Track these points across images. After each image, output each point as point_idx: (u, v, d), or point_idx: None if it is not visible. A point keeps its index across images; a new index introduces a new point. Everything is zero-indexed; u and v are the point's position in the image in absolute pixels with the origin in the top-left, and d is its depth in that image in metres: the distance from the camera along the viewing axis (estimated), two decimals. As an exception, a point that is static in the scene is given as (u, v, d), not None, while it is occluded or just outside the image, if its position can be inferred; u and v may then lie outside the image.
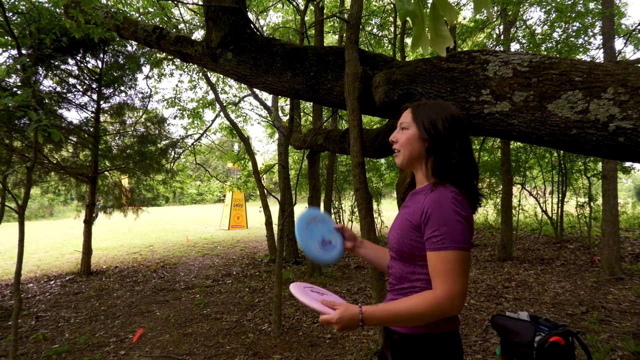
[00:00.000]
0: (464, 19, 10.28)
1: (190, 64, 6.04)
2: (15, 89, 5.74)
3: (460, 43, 8.64)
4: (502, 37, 8.13)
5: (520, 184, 10.31)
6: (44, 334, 4.46)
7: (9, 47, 5.34)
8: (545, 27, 8.25)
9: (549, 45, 7.49)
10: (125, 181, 9.48)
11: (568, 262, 7.09)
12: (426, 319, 1.14)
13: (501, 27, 8.43)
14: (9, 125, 5.83)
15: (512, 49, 8.36)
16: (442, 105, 1.31)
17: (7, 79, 5.98)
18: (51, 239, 12.68)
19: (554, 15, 7.51)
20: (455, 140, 1.24)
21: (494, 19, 8.31)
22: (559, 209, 9.26)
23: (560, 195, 9.34)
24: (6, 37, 4.99)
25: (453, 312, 1.13)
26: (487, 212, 12.31)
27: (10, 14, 4.46)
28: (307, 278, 6.54)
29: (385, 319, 1.17)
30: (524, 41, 8.24)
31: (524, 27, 8.55)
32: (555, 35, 7.78)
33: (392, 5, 7.80)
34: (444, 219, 1.12)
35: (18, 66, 4.50)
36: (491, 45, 8.67)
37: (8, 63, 5.95)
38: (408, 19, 1.19)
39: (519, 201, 10.52)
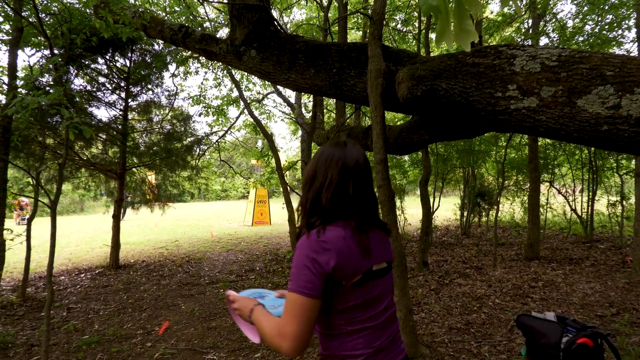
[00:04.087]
0: (491, 13, 10.07)
1: (215, 61, 6.12)
2: (48, 88, 5.93)
3: (487, 38, 8.47)
4: (530, 31, 7.92)
5: (548, 182, 10.05)
6: (74, 325, 4.61)
7: (42, 47, 5.53)
8: (577, 20, 8.00)
9: (579, 39, 7.26)
10: (152, 177, 9.68)
11: (598, 262, 6.88)
12: (270, 344, 1.19)
13: (530, 21, 8.22)
14: (42, 123, 6.04)
15: (542, 44, 8.14)
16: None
17: (41, 79, 6.19)
18: (82, 233, 13.08)
19: (585, 8, 7.28)
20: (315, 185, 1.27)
21: (523, 13, 8.11)
22: (589, 208, 8.98)
23: (590, 194, 9.06)
24: (39, 38, 5.18)
25: (282, 350, 1.14)
26: (513, 210, 12.05)
27: (43, 15, 4.61)
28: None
29: (258, 326, 1.24)
30: (553, 35, 8.01)
31: (553, 20, 8.31)
32: (587, 28, 7.54)
33: (416, 0, 7.70)
34: (295, 262, 1.17)
35: (50, 66, 4.66)
36: (519, 40, 8.45)
37: (41, 63, 6.16)
38: (432, 14, 1.18)
39: (547, 199, 10.26)
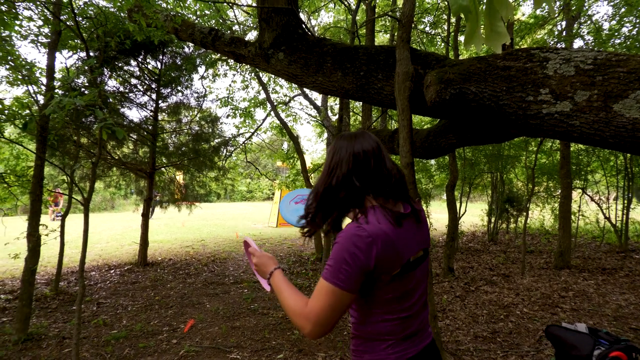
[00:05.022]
0: (523, 15, 9.86)
1: (243, 64, 6.21)
2: (83, 89, 6.14)
3: (518, 40, 8.29)
4: (564, 34, 7.71)
5: (580, 189, 9.73)
6: (104, 319, 4.74)
7: (79, 50, 5.73)
8: (613, 22, 7.74)
9: (616, 41, 7.03)
10: (180, 177, 9.88)
11: (633, 272, 6.62)
12: (289, 316, 1.22)
13: (563, 23, 8.00)
14: (78, 122, 6.24)
15: (575, 46, 7.91)
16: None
17: (77, 80, 6.41)
18: (112, 230, 13.44)
19: (623, 10, 7.04)
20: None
21: (556, 15, 7.91)
22: (624, 216, 8.65)
23: (625, 202, 8.73)
24: (76, 41, 5.37)
25: (303, 331, 1.17)
26: (543, 217, 11.73)
27: (80, 18, 4.78)
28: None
29: (277, 292, 1.29)
30: (588, 37, 7.77)
31: (588, 22, 8.07)
32: (624, 30, 7.28)
33: (445, 3, 7.61)
34: (335, 253, 1.16)
35: (86, 68, 4.82)
36: (552, 43, 8.24)
37: (77, 65, 6.38)
38: (462, 15, 1.17)
39: (579, 207, 9.94)
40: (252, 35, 8.93)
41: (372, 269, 1.14)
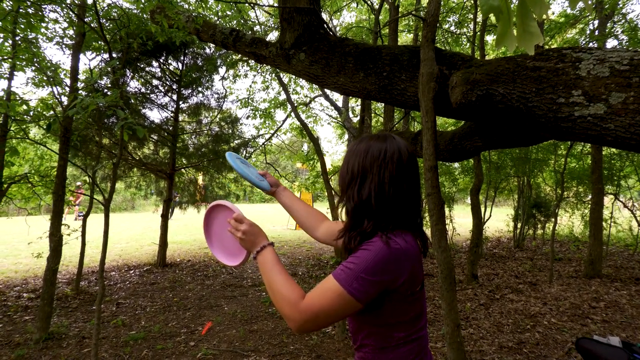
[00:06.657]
0: (553, 13, 9.56)
1: (264, 65, 6.18)
2: (105, 90, 6.21)
3: (548, 40, 8.03)
4: (596, 33, 7.42)
5: (613, 194, 9.36)
6: (123, 320, 4.76)
7: (102, 52, 5.80)
8: (649, 20, 7.42)
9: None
10: (199, 178, 9.92)
11: (668, 283, 6.31)
12: (276, 300, 1.13)
13: (596, 22, 7.71)
14: (100, 123, 6.32)
15: (609, 46, 7.62)
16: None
17: (100, 81, 6.50)
18: (132, 231, 13.62)
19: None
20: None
21: (589, 12, 7.63)
22: (659, 224, 8.28)
23: (660, 208, 8.36)
24: (100, 42, 5.43)
25: (290, 322, 1.09)
26: (572, 223, 11.34)
27: (104, 20, 4.82)
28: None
29: (265, 270, 1.20)
30: (623, 37, 7.46)
31: (623, 21, 7.75)
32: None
33: (472, 1, 7.43)
34: (359, 260, 1.07)
35: (109, 69, 4.86)
36: (584, 42, 7.96)
37: (100, 66, 6.47)
38: (492, 16, 1.08)
39: (611, 213, 9.57)
40: (273, 36, 8.92)
41: (400, 285, 1.08)
